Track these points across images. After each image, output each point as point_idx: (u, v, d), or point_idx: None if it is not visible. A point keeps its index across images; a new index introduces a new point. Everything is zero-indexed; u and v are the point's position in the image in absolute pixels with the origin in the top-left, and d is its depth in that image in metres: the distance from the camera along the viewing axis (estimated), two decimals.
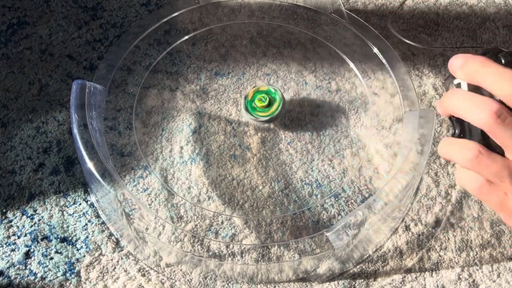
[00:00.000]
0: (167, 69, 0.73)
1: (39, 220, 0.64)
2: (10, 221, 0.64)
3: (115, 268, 0.61)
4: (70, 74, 0.72)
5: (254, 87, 0.68)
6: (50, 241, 0.63)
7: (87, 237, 0.63)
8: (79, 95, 0.62)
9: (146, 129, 0.69)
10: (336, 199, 0.65)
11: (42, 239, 0.63)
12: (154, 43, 0.74)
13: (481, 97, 0.47)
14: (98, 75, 0.66)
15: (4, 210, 0.64)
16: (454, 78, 0.51)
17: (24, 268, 0.61)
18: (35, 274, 0.61)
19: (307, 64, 0.74)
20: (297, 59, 0.74)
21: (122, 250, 0.62)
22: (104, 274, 0.61)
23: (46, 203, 0.65)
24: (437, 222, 0.65)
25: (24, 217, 0.64)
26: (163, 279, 0.61)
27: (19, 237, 0.63)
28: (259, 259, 0.62)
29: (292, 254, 0.62)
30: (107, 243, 0.63)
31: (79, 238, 0.63)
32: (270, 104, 0.67)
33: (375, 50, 0.70)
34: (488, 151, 0.47)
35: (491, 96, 0.47)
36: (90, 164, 0.58)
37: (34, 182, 0.66)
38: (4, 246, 0.62)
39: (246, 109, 0.67)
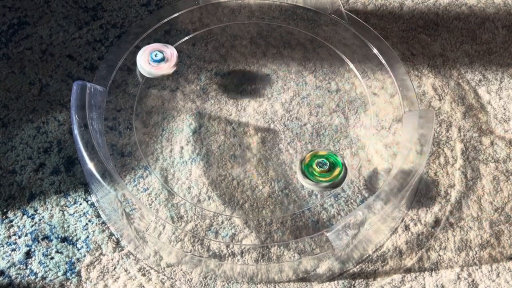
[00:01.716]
0: None
1: (39, 220, 0.64)
2: (11, 221, 0.64)
3: (115, 267, 0.62)
4: (71, 74, 0.72)
5: (311, 151, 0.62)
6: (51, 240, 0.63)
7: (87, 237, 0.63)
8: (80, 96, 0.62)
9: (146, 129, 0.69)
10: (336, 199, 0.66)
11: (42, 239, 0.63)
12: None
13: None
14: (99, 75, 0.66)
15: (5, 210, 0.64)
16: None
17: (24, 267, 0.61)
18: (35, 273, 0.61)
19: (307, 64, 0.74)
20: (297, 59, 0.74)
21: (122, 250, 0.63)
22: (105, 273, 0.61)
23: (47, 203, 0.65)
24: (437, 222, 0.65)
25: (25, 217, 0.64)
26: (163, 278, 0.61)
27: (19, 237, 0.63)
28: (259, 259, 0.62)
29: (292, 254, 0.62)
30: (107, 242, 0.63)
31: (79, 238, 0.63)
32: (330, 170, 0.61)
33: (375, 50, 0.70)
34: None
35: None
36: (90, 165, 0.58)
37: (35, 182, 0.66)
38: (5, 245, 0.62)
39: (304, 174, 0.61)
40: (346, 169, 0.61)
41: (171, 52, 0.67)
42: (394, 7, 0.79)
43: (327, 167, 0.60)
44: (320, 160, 0.60)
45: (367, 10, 0.79)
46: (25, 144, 0.68)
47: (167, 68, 0.67)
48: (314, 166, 0.60)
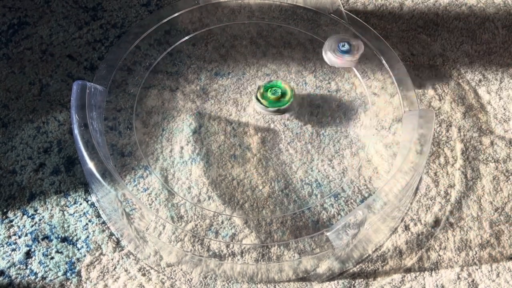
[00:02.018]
0: (167, 69, 0.73)
1: (39, 220, 0.64)
2: (11, 221, 0.64)
3: (115, 267, 0.62)
4: (71, 74, 0.72)
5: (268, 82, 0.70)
6: (51, 240, 0.63)
7: (87, 236, 0.63)
8: (80, 96, 0.62)
9: (147, 129, 0.69)
10: (336, 199, 0.66)
11: (42, 239, 0.63)
12: (155, 44, 0.74)
13: None
14: (99, 75, 0.66)
15: (5, 210, 0.64)
16: None
17: (24, 267, 0.61)
18: (35, 273, 0.61)
19: (307, 64, 0.74)
20: (297, 59, 0.74)
21: (122, 250, 0.63)
22: (105, 273, 0.61)
23: (47, 203, 0.65)
24: (437, 222, 0.65)
25: (25, 217, 0.64)
26: (163, 278, 0.61)
27: (20, 237, 0.63)
28: (259, 258, 0.62)
29: (292, 254, 0.62)
30: (107, 242, 0.63)
31: (79, 238, 0.63)
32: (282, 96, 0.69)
33: (375, 50, 0.70)
34: None
35: None
36: (90, 164, 0.58)
37: (35, 182, 0.66)
38: (5, 245, 0.62)
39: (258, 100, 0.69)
40: (294, 93, 0.70)
41: (358, 45, 0.69)
42: (394, 7, 0.79)
43: (279, 94, 0.69)
44: (272, 89, 0.69)
45: (367, 10, 0.79)
46: (25, 144, 0.68)
47: (348, 62, 0.69)
48: (268, 93, 0.69)
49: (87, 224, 0.64)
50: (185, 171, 0.67)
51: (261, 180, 0.66)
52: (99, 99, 0.65)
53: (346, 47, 0.69)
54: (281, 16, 0.77)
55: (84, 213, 0.64)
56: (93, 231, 0.63)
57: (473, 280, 0.62)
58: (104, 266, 0.62)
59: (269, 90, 0.69)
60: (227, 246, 0.63)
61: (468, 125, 0.70)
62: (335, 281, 0.61)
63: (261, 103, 0.68)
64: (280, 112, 0.69)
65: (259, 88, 0.69)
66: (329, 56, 0.69)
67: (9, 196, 0.65)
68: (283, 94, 0.69)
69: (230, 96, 0.71)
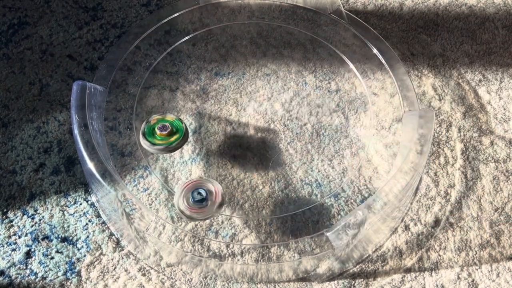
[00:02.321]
0: (167, 70, 0.73)
1: (39, 220, 0.64)
2: (11, 221, 0.64)
3: (115, 267, 0.62)
4: (71, 74, 0.72)
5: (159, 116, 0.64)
6: (51, 240, 0.63)
7: (87, 236, 0.63)
8: (80, 96, 0.62)
9: None
10: (336, 199, 0.66)
11: (42, 239, 0.63)
12: (155, 44, 0.74)
13: None
14: (99, 76, 0.66)
15: (5, 210, 0.64)
16: None
17: (25, 267, 0.61)
18: (35, 273, 0.61)
19: (307, 64, 0.74)
20: (297, 59, 0.74)
21: (122, 250, 0.63)
22: (105, 273, 0.61)
23: (47, 203, 0.65)
24: (437, 222, 0.65)
25: (25, 217, 0.64)
26: (163, 278, 0.61)
27: (20, 237, 0.63)
28: (259, 259, 0.62)
29: (292, 254, 0.62)
30: (107, 242, 0.63)
31: (79, 238, 0.63)
32: (170, 134, 0.62)
33: (375, 50, 0.70)
34: None
35: None
36: (90, 165, 0.58)
37: (35, 182, 0.66)
38: (5, 245, 0.62)
39: (144, 135, 0.62)
40: (186, 137, 0.63)
41: (215, 189, 0.58)
42: (394, 7, 0.79)
43: (167, 131, 0.62)
44: (163, 123, 0.62)
45: (367, 10, 0.79)
46: (25, 144, 0.68)
47: (210, 210, 0.58)
48: (156, 128, 0.62)
49: (87, 224, 0.64)
50: (185, 171, 0.66)
51: (261, 180, 0.66)
52: (99, 99, 0.65)
53: (202, 195, 0.58)
54: (281, 16, 0.77)
55: (84, 213, 0.64)
56: (93, 231, 0.63)
57: (473, 280, 0.62)
58: (104, 266, 0.62)
59: (157, 125, 0.62)
60: (227, 246, 0.63)
61: (468, 125, 0.70)
62: (335, 281, 0.61)
63: (149, 141, 0.62)
64: (171, 150, 0.62)
65: (147, 122, 0.62)
66: (184, 210, 0.58)
67: (9, 196, 0.65)
68: (175, 130, 0.62)
69: (230, 96, 0.71)
